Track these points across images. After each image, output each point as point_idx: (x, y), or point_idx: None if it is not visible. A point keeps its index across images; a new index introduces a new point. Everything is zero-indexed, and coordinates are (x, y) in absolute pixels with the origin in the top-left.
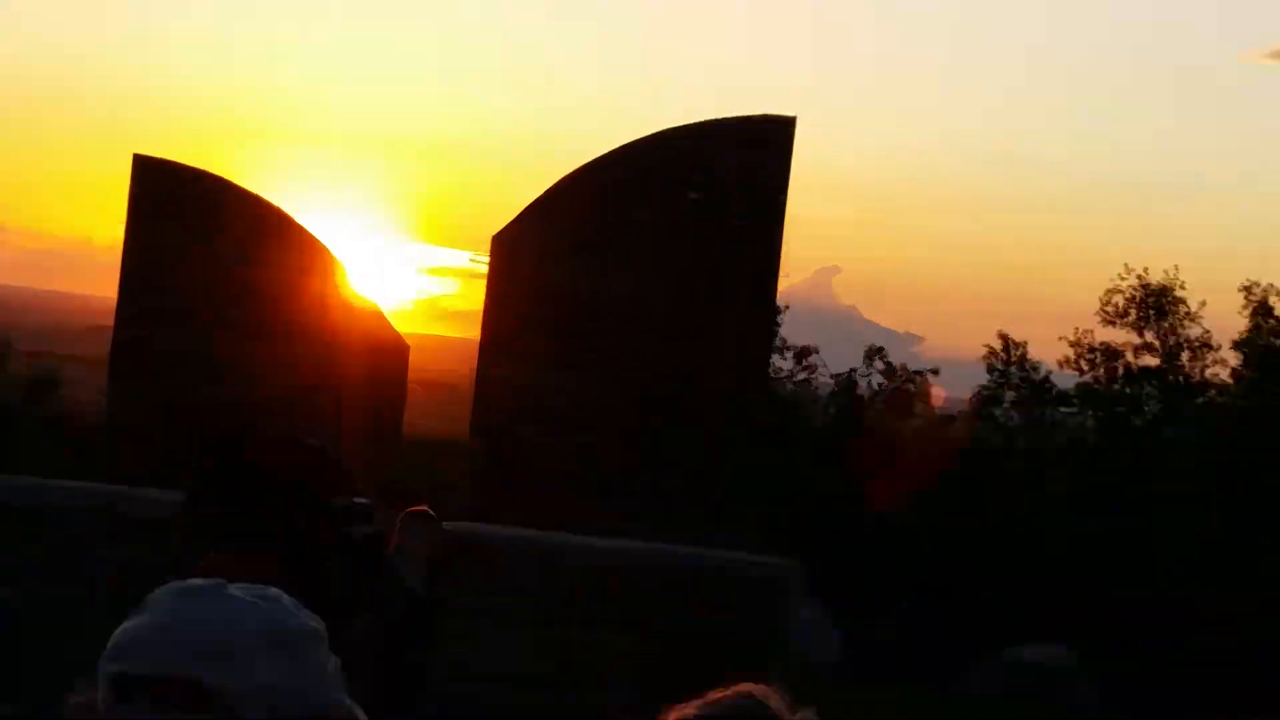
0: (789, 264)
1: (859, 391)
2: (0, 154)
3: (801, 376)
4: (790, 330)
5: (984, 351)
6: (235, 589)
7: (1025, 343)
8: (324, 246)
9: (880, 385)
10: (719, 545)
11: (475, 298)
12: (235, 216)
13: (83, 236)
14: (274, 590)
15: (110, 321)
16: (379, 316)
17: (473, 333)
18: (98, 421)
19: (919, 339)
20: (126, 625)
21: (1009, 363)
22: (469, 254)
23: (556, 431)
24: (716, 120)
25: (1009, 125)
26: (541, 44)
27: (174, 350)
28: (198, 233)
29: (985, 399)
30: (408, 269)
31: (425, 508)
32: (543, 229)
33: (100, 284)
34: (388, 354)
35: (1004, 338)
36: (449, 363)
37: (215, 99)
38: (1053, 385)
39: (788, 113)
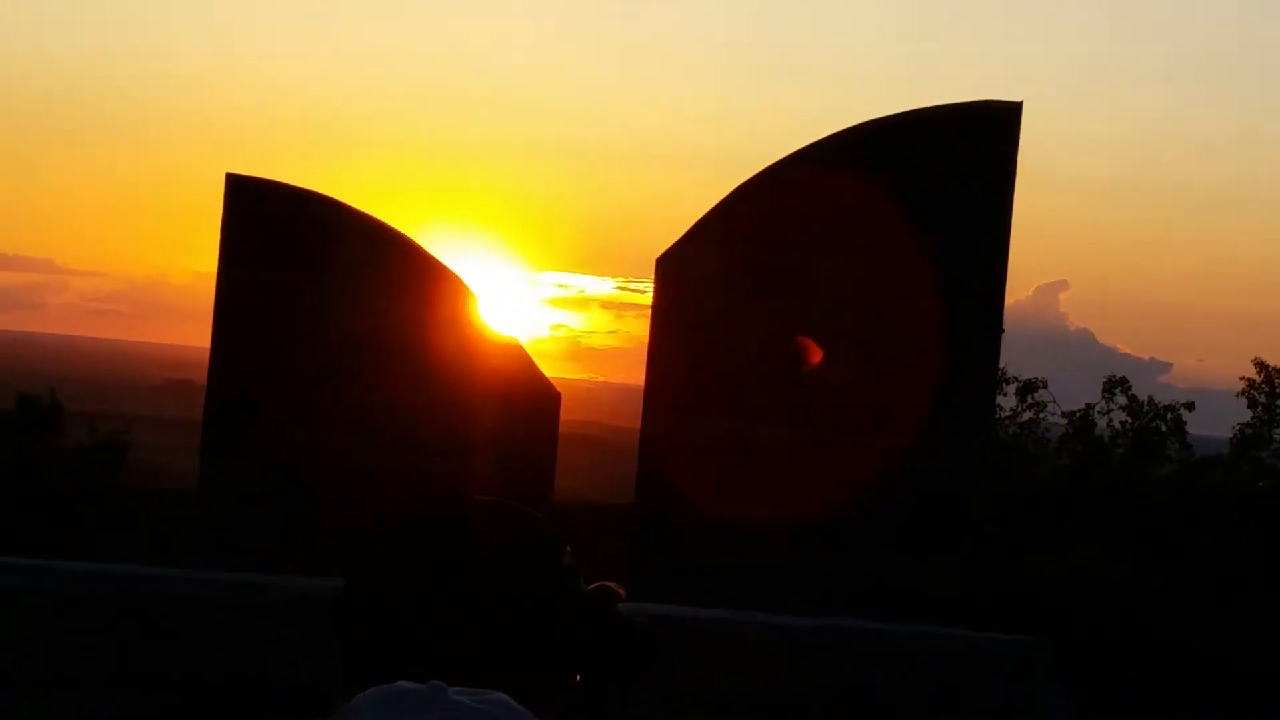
0: (1010, 279)
1: (1097, 432)
2: (53, 182)
3: (1027, 416)
4: (1011, 359)
5: (1242, 384)
6: (457, 694)
7: None
8: (453, 274)
9: (1124, 424)
10: (934, 624)
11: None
12: (347, 242)
13: (155, 275)
14: (502, 696)
15: (189, 374)
16: (523, 357)
17: (619, 375)
18: (172, 488)
19: (1166, 366)
20: None
21: (1274, 395)
22: (614, 281)
23: (738, 495)
24: (929, 108)
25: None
26: (700, 35)
27: (278, 402)
28: (304, 263)
29: (1247, 440)
30: (536, 300)
31: (613, 584)
32: (722, 247)
33: (177, 331)
34: (534, 400)
35: (1260, 365)
36: (587, 412)
37: (313, 108)
38: None
39: (1011, 98)
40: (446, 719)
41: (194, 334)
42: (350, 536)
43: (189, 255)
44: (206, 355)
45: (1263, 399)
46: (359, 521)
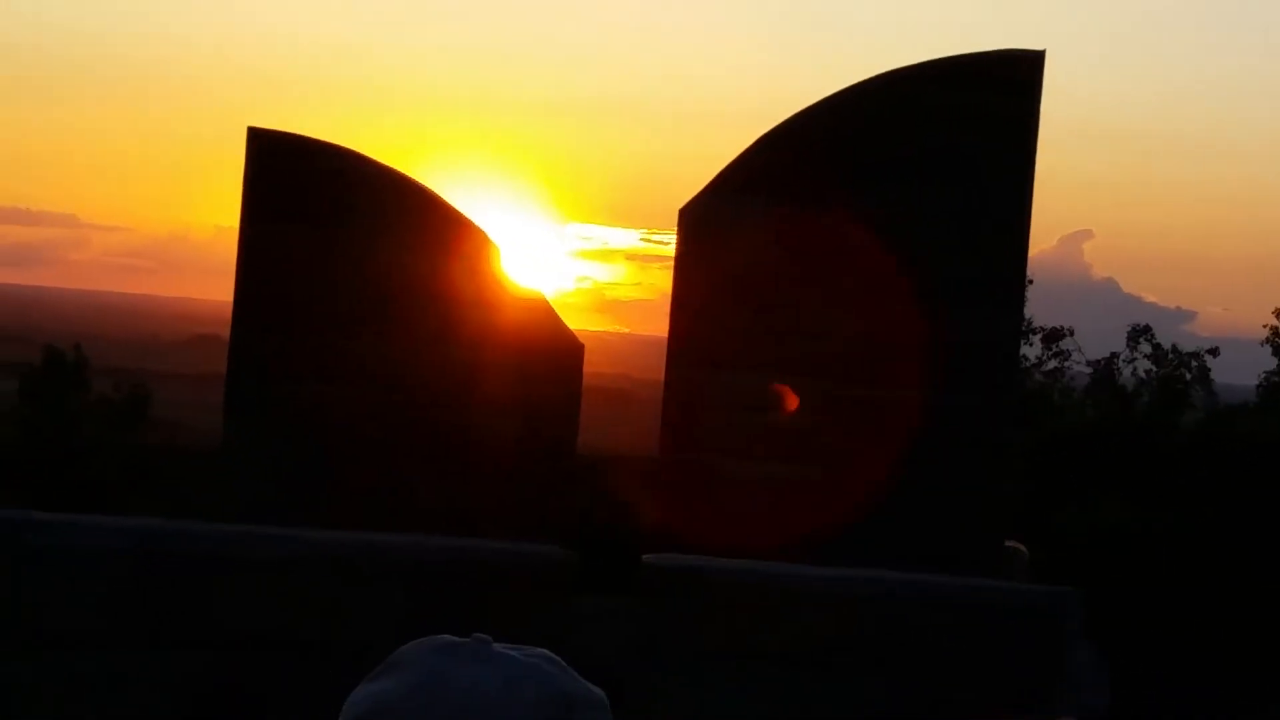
0: (1033, 229)
1: (1121, 381)
2: (74, 137)
3: (1052, 365)
4: (1036, 308)
5: (1266, 331)
6: (503, 647)
7: None
8: (476, 227)
9: (1148, 373)
10: (966, 575)
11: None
12: (370, 195)
13: (177, 230)
14: (542, 650)
15: (213, 329)
16: (546, 309)
17: (641, 327)
18: (197, 446)
19: (1191, 315)
20: (372, 688)
21: None
22: (639, 233)
23: (766, 449)
24: (948, 58)
25: None
26: None
27: (303, 356)
28: (326, 217)
29: (1274, 387)
30: (561, 252)
31: (1018, 546)
32: (744, 198)
33: (200, 285)
34: (557, 354)
35: None
36: (613, 364)
37: (334, 58)
38: None
39: (1034, 47)
40: (494, 670)
41: (217, 288)
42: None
43: (211, 210)
44: (229, 310)
45: None
46: (381, 477)
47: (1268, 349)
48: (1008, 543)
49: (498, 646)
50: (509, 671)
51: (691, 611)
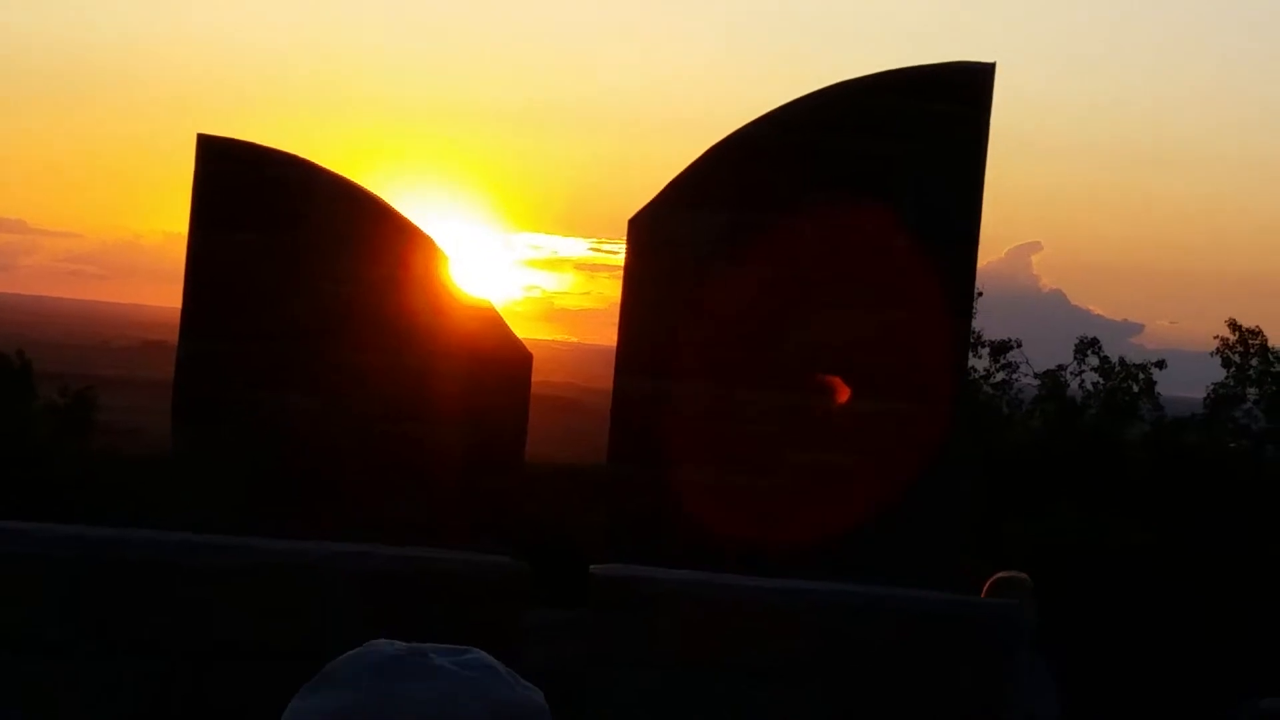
0: (982, 240)
1: (1069, 393)
2: (25, 142)
3: (1000, 377)
4: (985, 320)
5: (1215, 343)
6: (440, 657)
7: (1259, 329)
8: (426, 236)
9: (1096, 385)
10: (913, 587)
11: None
12: (320, 203)
13: (126, 237)
14: (481, 656)
15: (163, 335)
16: (495, 318)
17: (589, 336)
18: (145, 453)
19: (1138, 327)
20: (308, 704)
21: (1248, 355)
22: (588, 242)
23: (715, 462)
24: (900, 70)
25: (1245, 69)
26: None
27: (251, 364)
28: (278, 224)
29: (1221, 399)
30: (510, 261)
31: (1020, 574)
32: (693, 209)
33: (149, 292)
34: (506, 364)
35: (1234, 325)
36: (562, 373)
37: (285, 65)
38: None
39: (984, 59)
40: (432, 685)
41: (166, 295)
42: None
43: (161, 216)
44: (178, 316)
45: (1236, 359)
46: (328, 485)
47: (1215, 361)
48: (1008, 572)
49: (435, 657)
50: (446, 687)
51: (640, 622)
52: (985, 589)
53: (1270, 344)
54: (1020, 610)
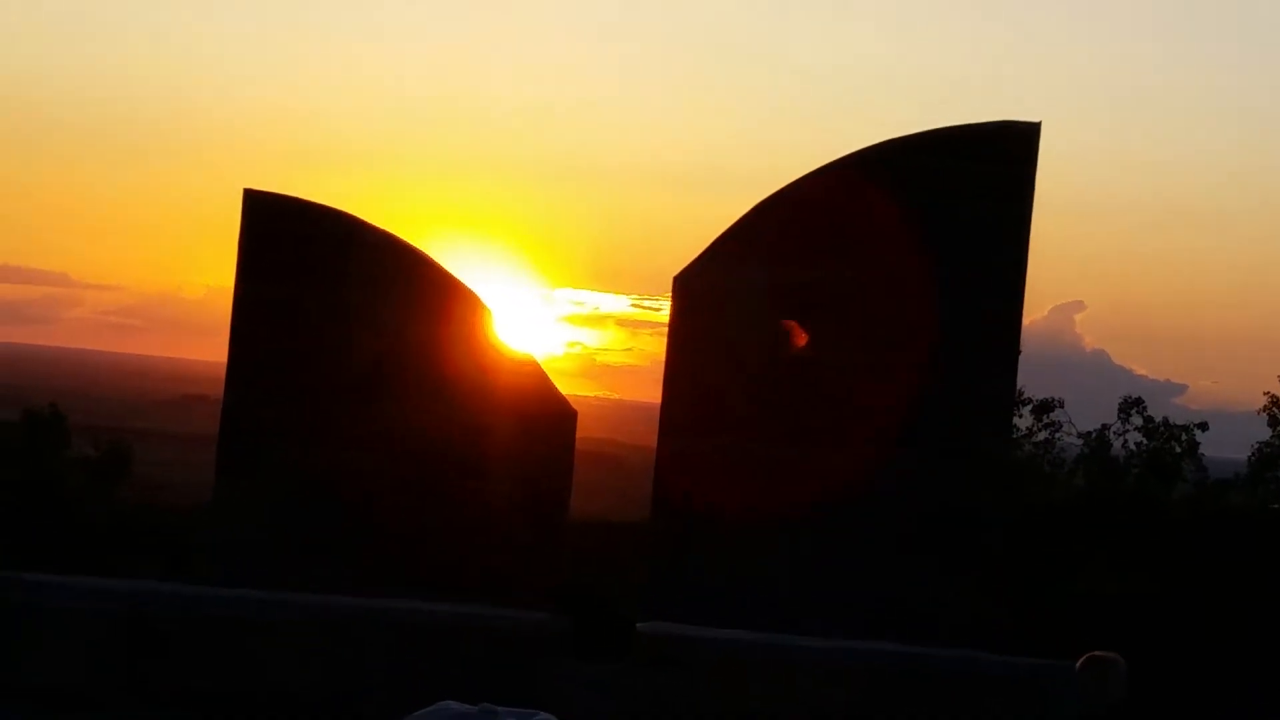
0: (1026, 299)
1: (1113, 453)
2: (68, 195)
3: (1042, 435)
4: (1028, 379)
5: (1263, 401)
6: (509, 713)
7: None
8: (470, 291)
9: (1139, 445)
10: (957, 648)
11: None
12: (364, 258)
13: (168, 290)
14: (547, 715)
15: (203, 389)
16: (539, 374)
17: (633, 394)
18: (180, 505)
19: (1182, 388)
20: None
21: None
22: (629, 298)
23: (756, 514)
24: (946, 128)
25: None
26: (718, 53)
27: (294, 418)
28: (321, 279)
29: (1266, 459)
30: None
31: (1113, 654)
32: (740, 265)
33: (191, 346)
34: (549, 419)
35: None
36: (604, 430)
37: (332, 121)
38: None
39: (1030, 118)
40: None
41: (207, 348)
42: None
43: (203, 270)
44: (219, 370)
45: None
46: (373, 539)
47: (1260, 420)
48: (1100, 652)
49: (504, 713)
50: None
51: (686, 679)
52: (1078, 667)
53: None
54: (1061, 671)
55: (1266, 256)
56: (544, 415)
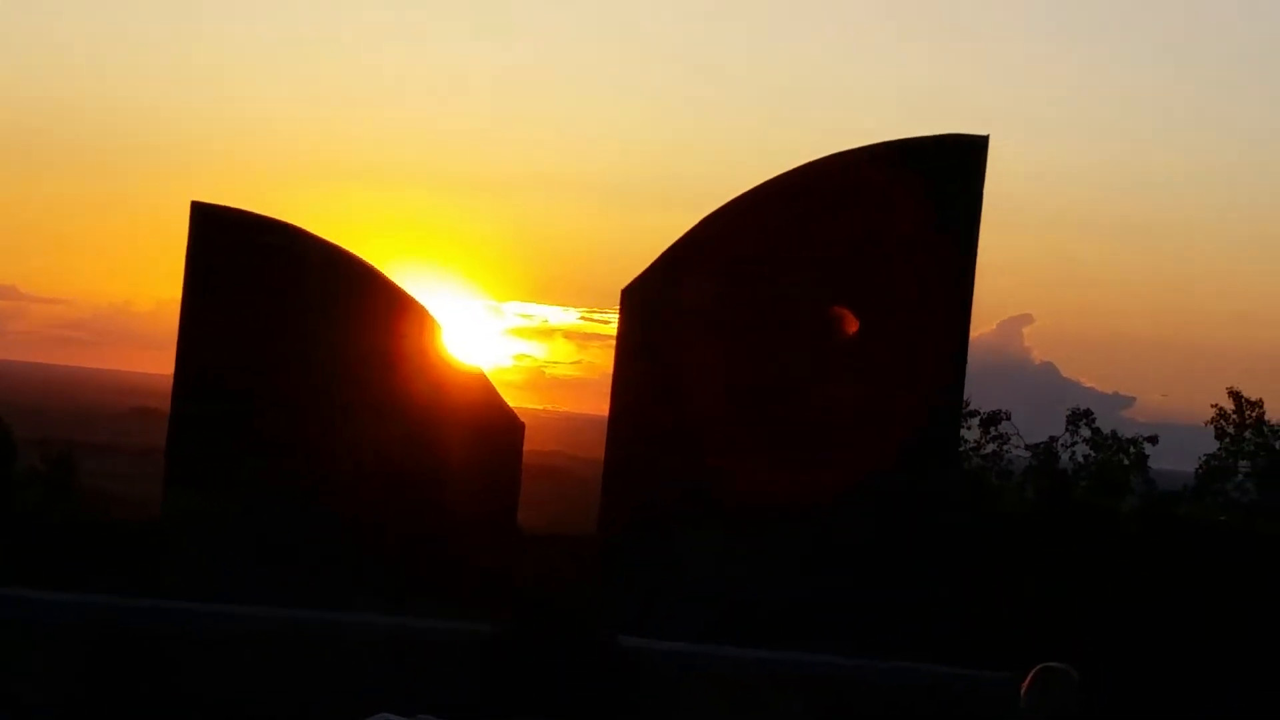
0: (973, 312)
1: (1061, 465)
2: (15, 209)
3: (990, 448)
4: (975, 392)
5: (1210, 413)
6: None
7: (1261, 401)
8: (418, 304)
9: (1087, 457)
10: (910, 659)
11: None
12: (312, 271)
13: (117, 303)
14: None
15: (152, 402)
16: (487, 387)
17: (578, 406)
18: (130, 518)
19: (1129, 400)
20: None
21: (1243, 426)
22: (577, 311)
23: (708, 528)
24: (893, 141)
25: (1239, 142)
26: (665, 66)
27: (242, 430)
28: (269, 292)
29: (1212, 471)
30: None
31: (1065, 666)
32: (688, 278)
33: (141, 359)
34: (498, 431)
35: (1235, 395)
36: (552, 442)
37: (279, 134)
38: None
39: (978, 131)
40: None
41: (158, 361)
42: None
43: (153, 283)
44: (169, 383)
45: (1231, 430)
46: (320, 550)
47: (1206, 433)
48: (1053, 664)
49: None
50: None
51: (644, 691)
52: (1027, 680)
53: (1267, 417)
54: (1011, 683)
55: (1215, 270)
56: (492, 427)
